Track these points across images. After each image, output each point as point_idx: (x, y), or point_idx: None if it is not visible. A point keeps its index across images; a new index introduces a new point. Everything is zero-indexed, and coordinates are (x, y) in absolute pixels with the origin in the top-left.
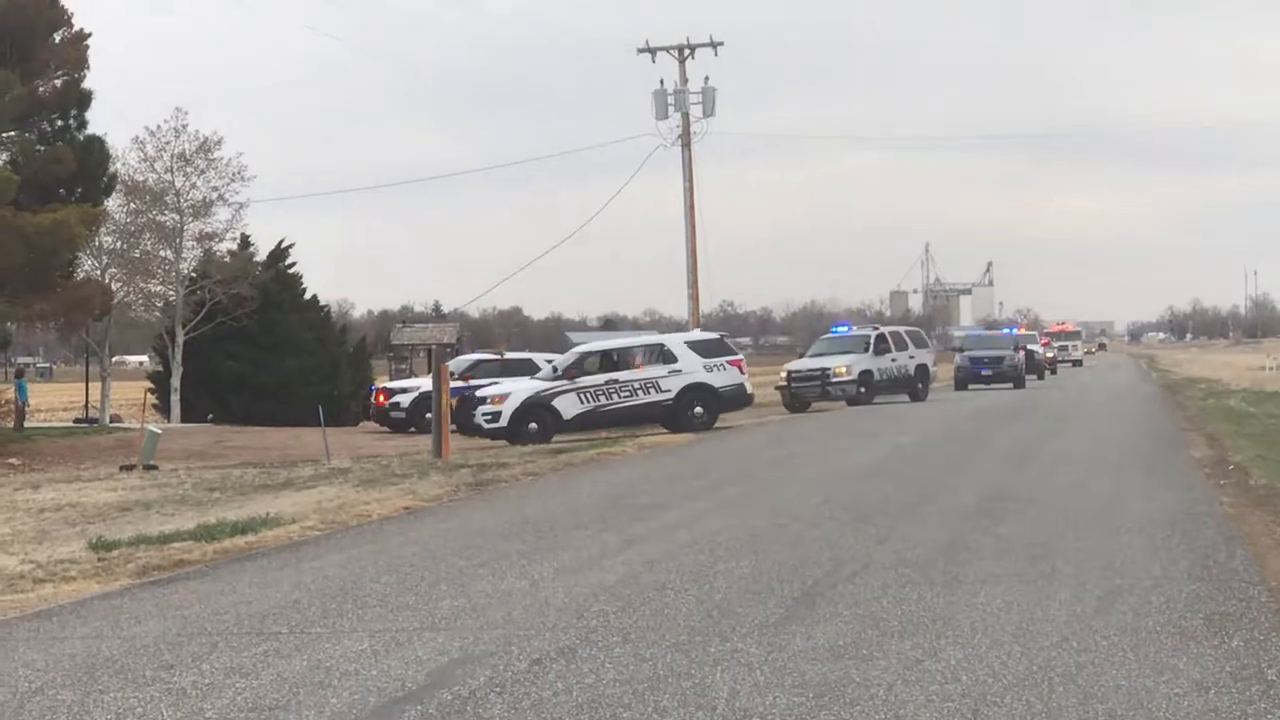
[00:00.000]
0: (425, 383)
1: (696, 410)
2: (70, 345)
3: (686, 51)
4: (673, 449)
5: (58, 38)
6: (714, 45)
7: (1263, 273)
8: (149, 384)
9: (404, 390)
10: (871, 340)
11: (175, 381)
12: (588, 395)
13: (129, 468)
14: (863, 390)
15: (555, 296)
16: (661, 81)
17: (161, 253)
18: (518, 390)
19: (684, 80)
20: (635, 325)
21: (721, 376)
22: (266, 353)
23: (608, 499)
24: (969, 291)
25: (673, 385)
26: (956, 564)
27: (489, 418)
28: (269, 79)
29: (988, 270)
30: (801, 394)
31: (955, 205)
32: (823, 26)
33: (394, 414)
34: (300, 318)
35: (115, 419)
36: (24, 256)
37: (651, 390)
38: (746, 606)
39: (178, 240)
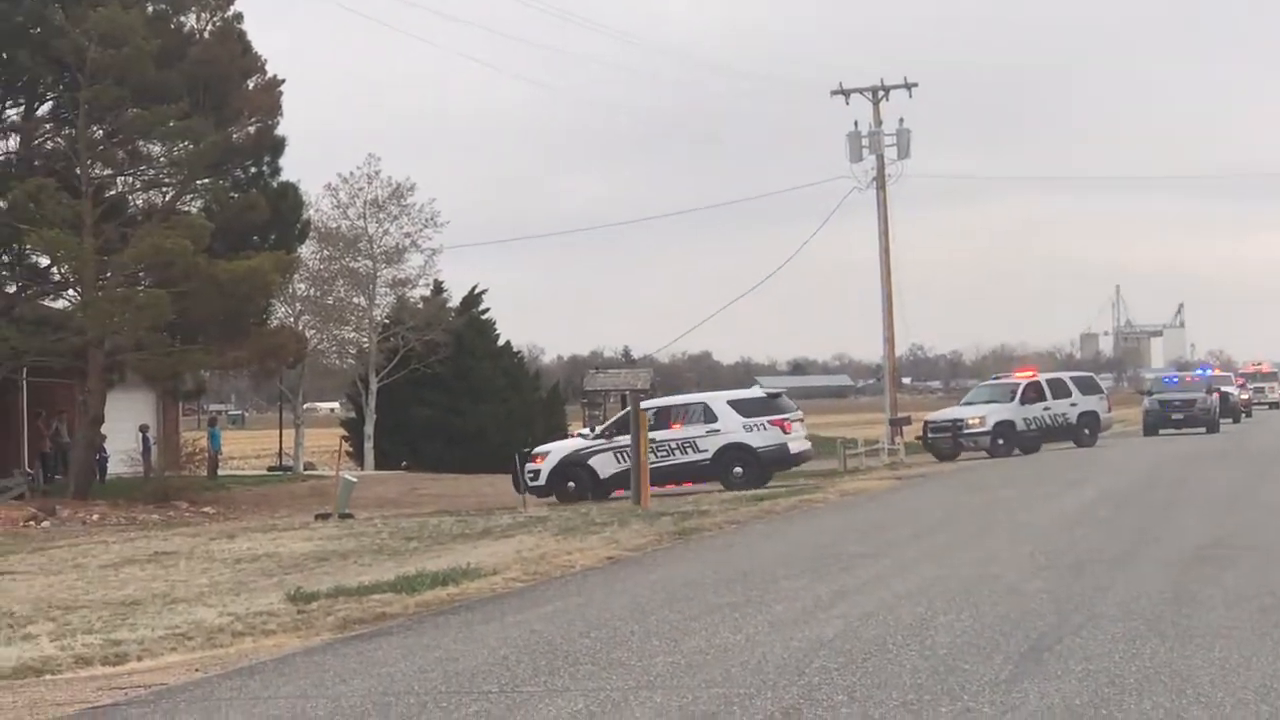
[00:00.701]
0: (557, 446)
1: (736, 470)
2: (262, 392)
3: (880, 93)
4: (874, 496)
5: (251, 84)
6: (908, 86)
7: None
8: (342, 431)
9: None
10: (1019, 390)
11: (368, 429)
12: (623, 455)
13: (324, 516)
14: (1000, 442)
15: (744, 340)
16: (855, 123)
17: (354, 299)
18: (557, 449)
19: (878, 121)
20: (824, 369)
21: (760, 436)
22: (460, 399)
23: (814, 548)
24: (1160, 333)
25: (710, 445)
26: (1185, 616)
27: (531, 475)
28: (450, 122)
29: (1179, 312)
30: (936, 444)
31: (1146, 247)
32: (1004, 68)
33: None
34: (494, 364)
35: (309, 466)
36: (219, 304)
37: (689, 450)
38: (972, 663)
39: (371, 286)
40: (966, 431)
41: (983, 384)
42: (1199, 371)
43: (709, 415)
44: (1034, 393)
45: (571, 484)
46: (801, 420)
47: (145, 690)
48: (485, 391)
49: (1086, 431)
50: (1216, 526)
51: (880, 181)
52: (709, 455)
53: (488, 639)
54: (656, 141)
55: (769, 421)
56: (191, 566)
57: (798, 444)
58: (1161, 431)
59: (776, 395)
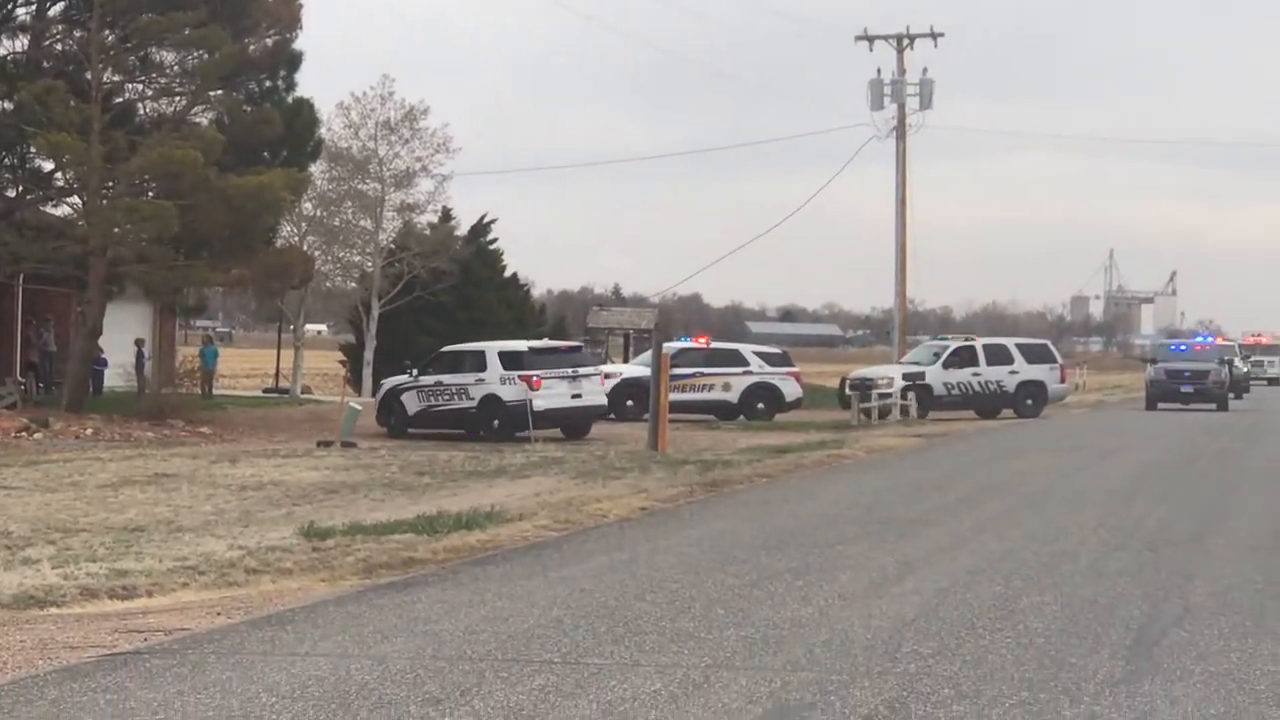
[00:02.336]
0: (627, 369)
1: (494, 423)
2: (250, 311)
3: (906, 41)
4: (902, 455)
5: None
6: (934, 36)
7: None
8: (340, 356)
9: (606, 376)
10: (945, 353)
11: (368, 355)
12: (426, 394)
13: (327, 444)
14: (910, 403)
15: (735, 285)
16: (879, 71)
17: (361, 222)
18: (388, 381)
19: (901, 70)
20: (814, 318)
21: (511, 390)
22: (463, 329)
23: (860, 509)
24: (1151, 300)
25: (476, 394)
26: None
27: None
28: (467, 51)
29: (1171, 279)
30: (850, 402)
31: (1143, 212)
32: (1020, 27)
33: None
34: (499, 295)
35: (305, 390)
36: (226, 219)
37: (461, 397)
38: (1077, 655)
39: (378, 210)
40: (874, 391)
41: (922, 345)
42: (1200, 338)
43: (482, 365)
44: (962, 357)
45: (392, 419)
46: (573, 378)
47: (165, 635)
48: (489, 323)
49: (1029, 402)
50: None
51: (900, 131)
52: (475, 403)
53: (535, 597)
54: (672, 78)
55: (519, 376)
56: (194, 491)
57: (543, 401)
58: (1162, 406)
59: (548, 349)
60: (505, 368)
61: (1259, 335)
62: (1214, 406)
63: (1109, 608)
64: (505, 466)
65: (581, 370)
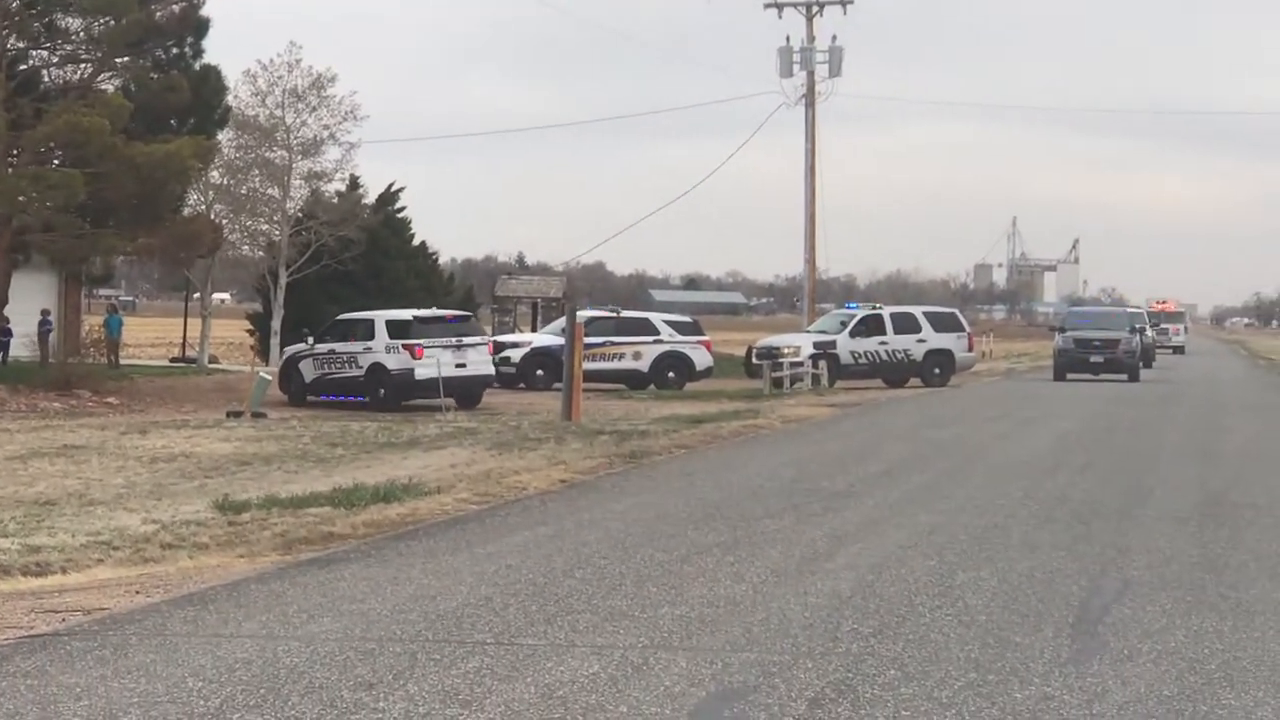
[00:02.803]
0: (537, 338)
1: (380, 392)
2: (154, 280)
3: (815, 8)
4: (820, 425)
5: None
6: (843, 2)
7: None
8: (248, 325)
9: (515, 345)
10: (852, 322)
11: (275, 324)
12: (322, 362)
13: (236, 414)
14: (820, 372)
15: (639, 253)
16: (788, 38)
17: (268, 190)
18: (291, 349)
19: (811, 38)
20: (719, 285)
21: (396, 359)
22: (371, 298)
23: (783, 481)
24: (1054, 268)
25: (365, 362)
26: (1227, 585)
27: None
28: (375, 18)
29: (1074, 247)
30: (757, 371)
31: (1047, 180)
32: None
33: (504, 369)
34: (407, 264)
35: (212, 360)
36: (134, 188)
37: (351, 365)
38: (1021, 634)
39: (286, 178)
40: (779, 360)
41: (830, 314)
42: (1100, 306)
43: (370, 334)
44: (869, 325)
45: (292, 386)
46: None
47: (84, 615)
48: (397, 291)
49: (937, 371)
50: (1198, 476)
51: (810, 99)
52: (363, 372)
53: (461, 573)
54: (582, 46)
55: (403, 345)
56: (105, 464)
57: (425, 370)
58: (1071, 376)
59: (426, 320)
60: (391, 336)
61: (1164, 302)
62: (1125, 377)
63: (1047, 583)
64: (419, 438)
65: (467, 340)
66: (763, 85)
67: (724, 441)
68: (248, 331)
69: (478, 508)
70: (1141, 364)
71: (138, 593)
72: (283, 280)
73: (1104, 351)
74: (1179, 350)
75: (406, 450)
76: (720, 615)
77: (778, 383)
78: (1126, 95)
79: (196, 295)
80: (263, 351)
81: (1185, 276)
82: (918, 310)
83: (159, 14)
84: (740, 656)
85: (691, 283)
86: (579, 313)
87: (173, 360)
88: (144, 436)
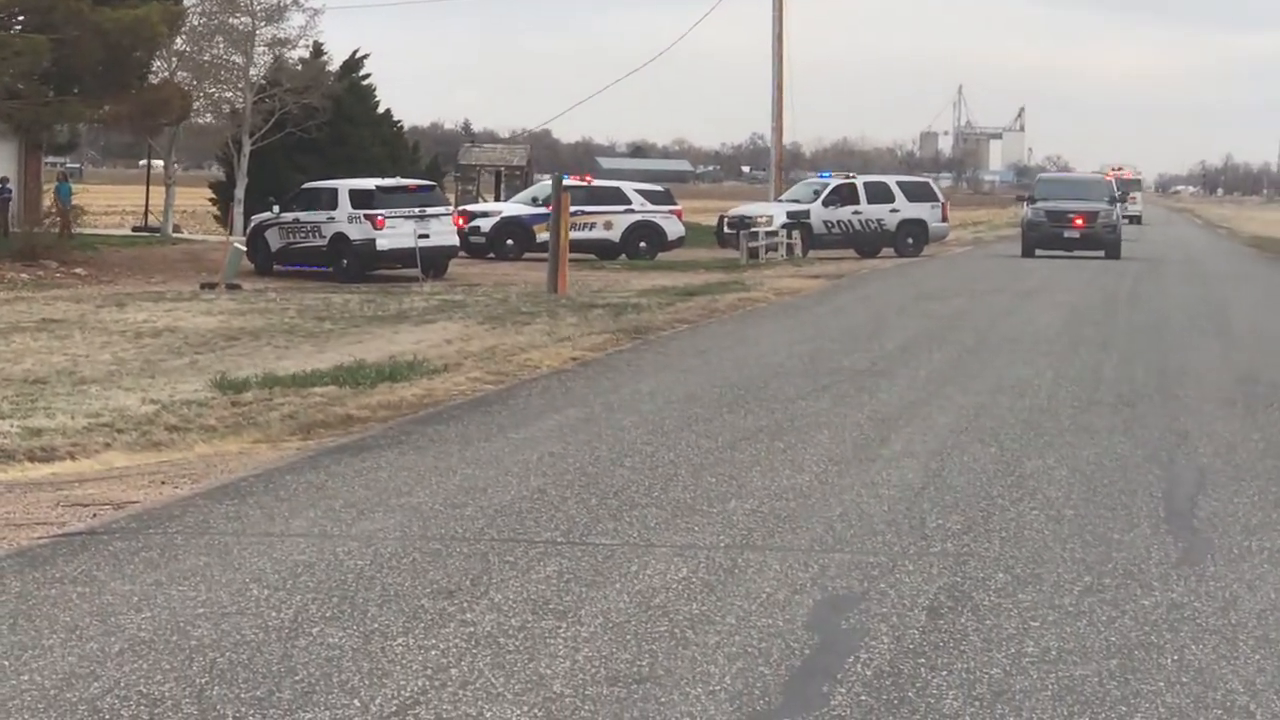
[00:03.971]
0: (507, 207)
1: (344, 263)
2: (100, 147)
3: None
4: (812, 297)
5: None
6: None
7: None
8: (209, 194)
9: (485, 214)
10: (825, 191)
11: (239, 193)
12: (284, 231)
13: (211, 285)
14: (795, 242)
15: (584, 121)
16: None
17: (232, 58)
18: (257, 218)
19: None
20: (665, 154)
21: (358, 229)
22: (337, 166)
23: (801, 359)
24: (999, 136)
25: (327, 232)
26: None
27: None
28: None
29: (1019, 115)
30: (729, 240)
31: (991, 48)
32: None
33: (473, 239)
34: (373, 132)
35: (175, 229)
36: (101, 54)
37: (314, 235)
38: (1118, 531)
39: (249, 44)
40: (752, 230)
41: (802, 183)
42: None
43: (331, 201)
44: (842, 195)
45: (259, 255)
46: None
47: (115, 510)
48: (363, 160)
49: (909, 240)
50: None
51: None
52: (325, 241)
53: (503, 462)
54: None
55: (365, 215)
56: (89, 339)
57: (386, 241)
58: (1041, 253)
59: (389, 190)
60: (354, 206)
61: (1120, 169)
62: (1103, 254)
63: (1119, 471)
64: (406, 311)
65: (430, 210)
66: None
67: (723, 316)
68: (210, 200)
69: (494, 387)
70: None
71: (163, 483)
72: (246, 149)
73: (1081, 225)
74: (1136, 220)
75: (396, 324)
76: (794, 510)
77: (753, 253)
78: None
79: (142, 162)
80: (225, 220)
81: (1129, 146)
82: (891, 179)
83: None
84: (833, 558)
85: (638, 150)
86: (546, 181)
87: (135, 229)
88: (122, 310)
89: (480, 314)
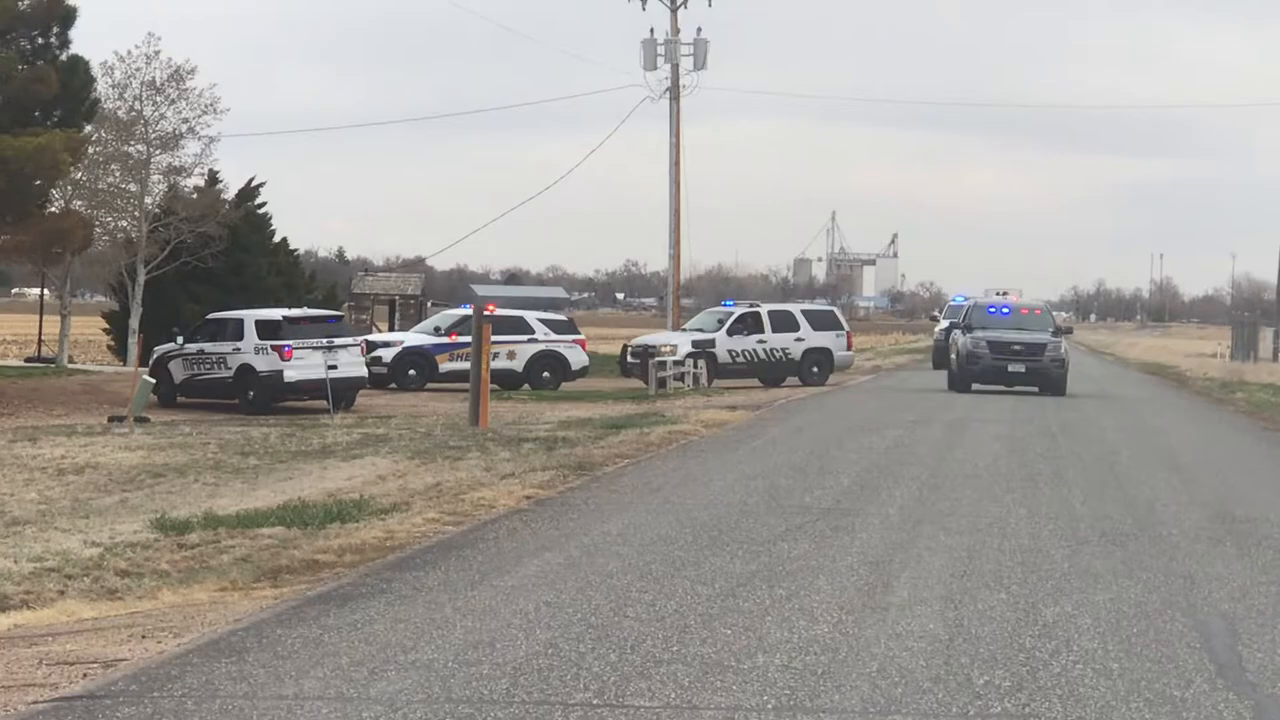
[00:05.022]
0: (409, 337)
1: (250, 395)
2: None
3: (679, 1)
4: (741, 430)
5: None
6: None
7: (1166, 256)
8: (103, 324)
9: (386, 344)
10: (729, 320)
11: (133, 322)
12: (192, 363)
13: (118, 419)
14: (701, 371)
15: (458, 249)
16: (651, 30)
17: (127, 185)
18: (160, 349)
19: (675, 30)
20: (539, 280)
21: (265, 360)
22: (233, 296)
23: (761, 496)
24: (873, 262)
25: (234, 363)
26: None
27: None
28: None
29: (893, 242)
30: (633, 370)
31: (862, 176)
32: None
33: (374, 369)
34: (269, 261)
35: (69, 359)
36: (1, 183)
37: (220, 366)
38: (1176, 688)
39: (144, 173)
40: (657, 359)
41: (705, 311)
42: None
43: (236, 332)
44: (747, 323)
45: (163, 387)
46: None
47: (104, 669)
48: (259, 290)
49: (814, 370)
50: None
51: (675, 93)
52: (231, 374)
53: (500, 612)
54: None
55: (270, 346)
56: (9, 475)
57: (294, 372)
58: (978, 388)
59: (296, 320)
60: (260, 337)
61: (1004, 293)
62: (1046, 392)
63: (1144, 620)
64: (330, 446)
65: (339, 340)
66: (603, 77)
67: (661, 451)
68: (104, 330)
69: (456, 529)
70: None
71: (144, 637)
72: (141, 278)
73: (1026, 358)
74: None
75: (322, 460)
76: (828, 666)
77: (661, 382)
78: (945, 89)
79: (17, 290)
80: (120, 351)
81: (1003, 271)
82: (796, 308)
83: (24, 3)
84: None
85: (513, 277)
86: (448, 311)
87: (28, 360)
88: (35, 445)
89: (407, 449)
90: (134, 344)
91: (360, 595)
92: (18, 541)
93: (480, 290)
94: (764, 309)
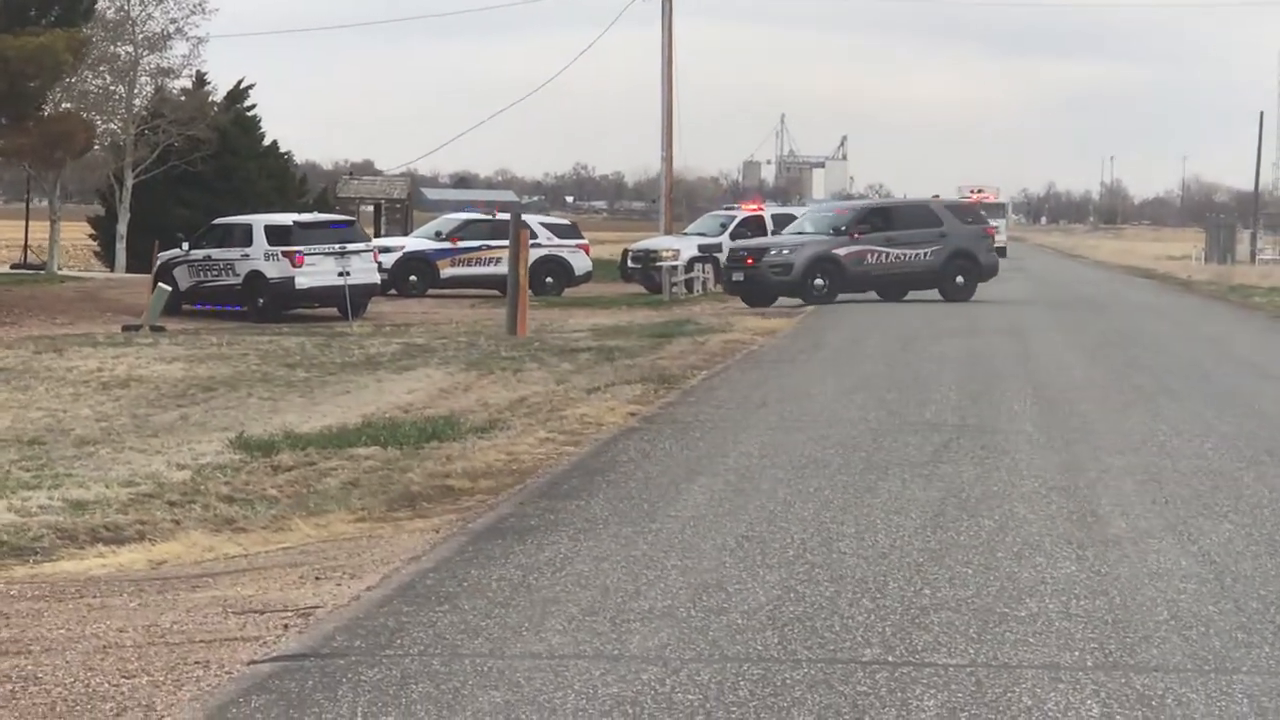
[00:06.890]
0: (409, 242)
1: (259, 302)
2: None
3: None
4: (793, 337)
5: None
6: None
7: (1118, 159)
8: (89, 229)
9: (386, 249)
10: (732, 223)
11: (121, 228)
12: (194, 269)
13: (134, 328)
14: (708, 276)
15: (409, 151)
16: None
17: (114, 88)
18: (165, 255)
19: None
20: (488, 184)
21: (275, 267)
22: (222, 200)
23: (879, 410)
24: (822, 165)
25: (242, 270)
26: None
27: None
28: None
29: (842, 144)
30: (634, 274)
31: (811, 79)
32: None
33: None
34: (259, 164)
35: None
36: (3, 84)
37: (228, 273)
38: None
39: (132, 74)
40: (659, 264)
41: (708, 214)
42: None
43: (245, 238)
44: (751, 227)
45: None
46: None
47: (302, 618)
48: (249, 194)
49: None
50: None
51: None
52: (240, 281)
53: (703, 550)
54: None
55: (281, 252)
56: (54, 391)
57: (306, 279)
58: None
59: (307, 225)
60: (270, 243)
61: (979, 190)
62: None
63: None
64: (375, 357)
65: (351, 246)
66: None
67: (730, 361)
68: (90, 236)
69: (576, 450)
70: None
71: (318, 579)
72: (129, 183)
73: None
74: (1001, 252)
75: (374, 371)
76: (1110, 613)
77: (683, 286)
78: None
79: (47, 199)
80: (107, 257)
81: (956, 175)
82: (799, 210)
83: None
84: (1232, 680)
85: (462, 181)
86: (451, 215)
87: (14, 266)
88: (63, 356)
89: (457, 359)
90: (120, 249)
91: (534, 529)
92: (98, 464)
93: (430, 194)
94: (767, 212)
